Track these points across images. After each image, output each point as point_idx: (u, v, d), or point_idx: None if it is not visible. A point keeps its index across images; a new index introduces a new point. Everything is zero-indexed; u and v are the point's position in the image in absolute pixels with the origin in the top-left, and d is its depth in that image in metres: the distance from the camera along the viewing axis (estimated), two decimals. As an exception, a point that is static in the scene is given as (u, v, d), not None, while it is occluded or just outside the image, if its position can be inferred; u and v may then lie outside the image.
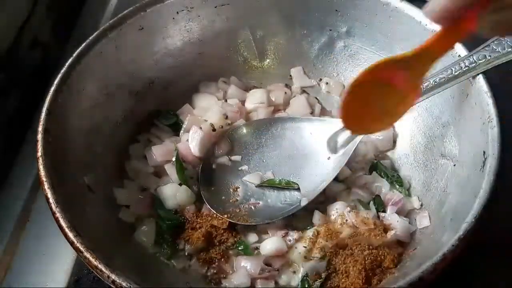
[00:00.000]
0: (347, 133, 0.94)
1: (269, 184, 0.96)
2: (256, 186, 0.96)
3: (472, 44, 0.88)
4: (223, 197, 0.95)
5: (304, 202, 0.93)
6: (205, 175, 0.98)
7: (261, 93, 1.08)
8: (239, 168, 0.99)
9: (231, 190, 0.96)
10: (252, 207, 0.94)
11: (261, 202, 0.95)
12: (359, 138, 0.94)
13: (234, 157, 1.00)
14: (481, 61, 0.85)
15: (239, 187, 0.96)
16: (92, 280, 0.94)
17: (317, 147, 0.97)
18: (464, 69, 0.85)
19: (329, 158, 0.96)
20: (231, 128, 1.02)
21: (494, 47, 0.85)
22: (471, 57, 0.85)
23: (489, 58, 0.84)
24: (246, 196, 0.95)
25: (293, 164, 0.97)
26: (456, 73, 0.85)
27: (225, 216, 0.92)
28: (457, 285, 0.90)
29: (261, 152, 1.00)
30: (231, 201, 0.95)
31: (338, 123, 0.96)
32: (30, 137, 1.10)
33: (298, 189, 0.95)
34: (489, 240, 0.89)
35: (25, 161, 1.09)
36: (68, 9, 1.32)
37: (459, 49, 0.88)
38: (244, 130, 1.02)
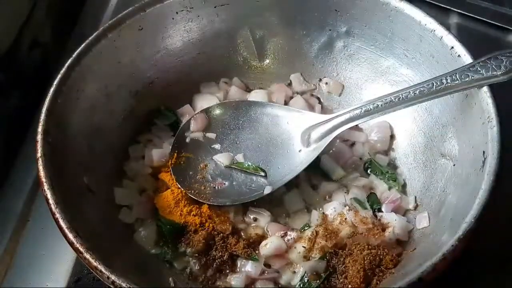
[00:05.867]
0: (322, 129, 0.95)
1: (238, 167, 0.96)
2: (225, 167, 0.97)
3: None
4: (190, 172, 0.96)
5: (267, 190, 0.93)
6: (178, 146, 0.98)
7: (263, 94, 1.08)
8: (212, 146, 0.99)
9: (200, 166, 0.97)
10: (217, 187, 0.95)
11: (226, 183, 0.95)
12: (332, 136, 0.94)
13: (208, 134, 1.00)
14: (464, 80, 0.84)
15: (208, 165, 0.97)
16: (92, 280, 0.94)
17: (291, 138, 0.98)
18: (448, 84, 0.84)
19: (300, 151, 0.96)
20: (212, 105, 1.02)
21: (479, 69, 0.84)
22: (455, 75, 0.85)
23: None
24: (213, 175, 0.96)
25: (265, 151, 0.98)
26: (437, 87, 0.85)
27: (189, 192, 0.93)
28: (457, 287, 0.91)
29: (236, 133, 1.00)
30: (197, 177, 0.96)
31: (315, 117, 0.97)
32: (30, 137, 1.10)
33: (265, 177, 0.95)
34: (489, 241, 0.89)
35: (25, 161, 1.09)
36: (68, 9, 1.32)
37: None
38: (223, 109, 1.02)
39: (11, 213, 1.03)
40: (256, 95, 1.08)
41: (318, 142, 0.95)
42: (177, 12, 1.01)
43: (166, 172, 0.97)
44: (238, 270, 0.89)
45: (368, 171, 1.00)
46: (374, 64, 1.04)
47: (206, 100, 1.07)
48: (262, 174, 0.95)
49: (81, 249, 0.73)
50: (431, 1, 1.25)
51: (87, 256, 0.73)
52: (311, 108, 1.07)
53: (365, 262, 0.84)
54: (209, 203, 0.93)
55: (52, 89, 0.87)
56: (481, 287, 0.93)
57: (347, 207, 0.92)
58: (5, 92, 1.10)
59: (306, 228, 0.92)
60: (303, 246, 0.89)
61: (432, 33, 0.92)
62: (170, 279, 0.88)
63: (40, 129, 0.83)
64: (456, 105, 0.90)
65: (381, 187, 0.97)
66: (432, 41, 0.92)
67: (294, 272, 0.88)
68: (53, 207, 0.77)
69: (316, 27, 1.05)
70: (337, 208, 0.92)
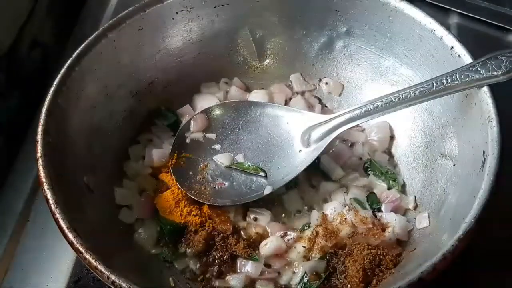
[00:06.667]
0: (322, 129, 0.95)
1: (238, 167, 0.97)
2: (225, 167, 0.97)
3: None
4: (190, 173, 0.96)
5: (267, 191, 0.93)
6: (178, 146, 0.99)
7: (263, 94, 1.08)
8: (212, 146, 1.00)
9: (200, 167, 0.97)
10: (217, 187, 0.95)
11: (227, 184, 0.96)
12: (332, 136, 0.94)
13: (209, 135, 1.01)
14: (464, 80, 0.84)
15: (208, 165, 0.97)
16: (92, 280, 0.94)
17: (291, 138, 0.98)
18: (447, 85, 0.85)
19: (300, 151, 0.96)
20: (212, 106, 1.03)
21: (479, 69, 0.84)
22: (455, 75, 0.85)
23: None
24: (213, 176, 0.97)
25: (265, 151, 0.98)
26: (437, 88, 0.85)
27: (189, 192, 0.93)
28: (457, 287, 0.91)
29: (236, 134, 1.00)
30: (198, 177, 0.96)
31: (315, 118, 0.97)
32: (30, 137, 1.10)
33: (265, 177, 0.95)
34: (489, 241, 0.89)
35: (25, 161, 1.09)
36: (68, 9, 1.32)
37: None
38: (224, 109, 1.03)
39: (11, 213, 1.03)
40: (256, 95, 1.08)
41: (318, 142, 0.95)
42: (177, 12, 1.01)
43: (166, 172, 0.97)
44: (238, 270, 0.89)
45: (368, 171, 1.00)
46: (374, 64, 1.04)
47: (206, 100, 1.07)
48: (262, 174, 0.96)
49: (81, 249, 0.73)
50: (431, 1, 1.25)
51: (87, 256, 0.73)
52: (311, 108, 1.07)
53: (365, 262, 0.84)
54: (209, 203, 0.93)
55: (52, 89, 0.87)
56: (481, 286, 0.93)
57: (347, 207, 0.92)
58: (5, 92, 1.10)
59: (306, 228, 0.92)
60: (303, 246, 0.89)
61: (432, 33, 0.92)
62: (170, 279, 0.88)
63: (40, 129, 0.83)
64: (456, 105, 0.90)
65: (380, 187, 0.98)
66: (432, 41, 0.92)
67: (294, 272, 0.89)
68: (53, 207, 0.77)
69: (316, 27, 1.05)
70: (337, 208, 0.92)
